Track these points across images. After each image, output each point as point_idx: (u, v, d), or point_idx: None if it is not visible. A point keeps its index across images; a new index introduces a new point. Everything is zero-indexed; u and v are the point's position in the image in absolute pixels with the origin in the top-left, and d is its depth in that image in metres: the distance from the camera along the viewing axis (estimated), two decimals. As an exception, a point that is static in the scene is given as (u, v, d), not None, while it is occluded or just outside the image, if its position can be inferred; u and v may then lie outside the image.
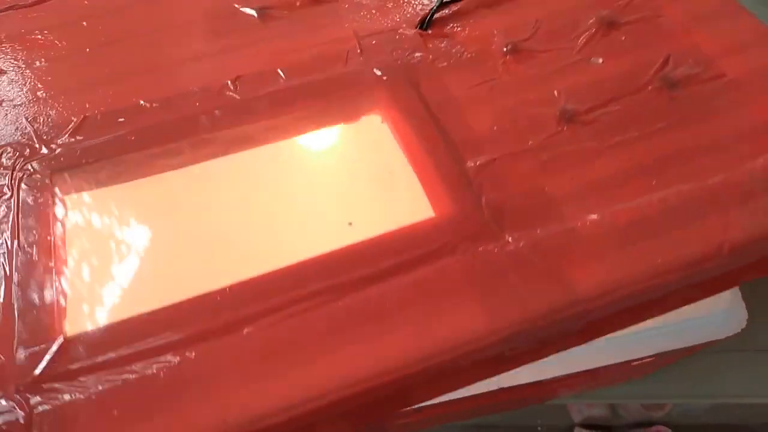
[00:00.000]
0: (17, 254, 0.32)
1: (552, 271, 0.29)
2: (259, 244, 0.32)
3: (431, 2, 0.42)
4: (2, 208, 0.33)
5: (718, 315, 0.39)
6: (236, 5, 0.43)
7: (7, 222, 0.33)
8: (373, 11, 0.43)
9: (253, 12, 0.43)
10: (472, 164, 0.33)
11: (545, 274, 0.29)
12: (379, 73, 0.38)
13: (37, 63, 0.41)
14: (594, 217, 0.31)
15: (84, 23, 0.44)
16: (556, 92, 0.36)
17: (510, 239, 0.30)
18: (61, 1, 0.45)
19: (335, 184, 0.34)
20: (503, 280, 0.29)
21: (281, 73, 0.39)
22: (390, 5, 0.43)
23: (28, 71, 0.41)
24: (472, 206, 0.32)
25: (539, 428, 0.54)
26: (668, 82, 0.36)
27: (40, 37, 0.43)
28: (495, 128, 0.35)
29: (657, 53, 0.37)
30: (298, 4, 0.43)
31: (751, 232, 0.30)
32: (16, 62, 0.42)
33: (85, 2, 0.45)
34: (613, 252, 0.30)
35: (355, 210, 0.32)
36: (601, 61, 0.38)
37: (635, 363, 0.40)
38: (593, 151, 0.33)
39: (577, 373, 0.39)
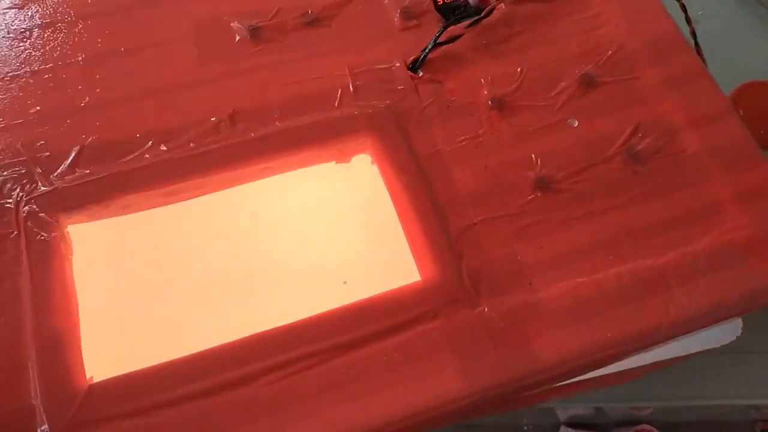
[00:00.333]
0: (32, 298, 0.34)
1: (520, 339, 0.34)
2: (257, 301, 0.35)
3: (422, 33, 0.43)
4: (11, 251, 0.35)
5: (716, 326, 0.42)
6: (226, 18, 0.43)
7: (19, 265, 0.35)
8: (366, 38, 0.43)
9: (245, 31, 0.43)
10: (456, 227, 0.37)
11: (514, 342, 0.34)
12: (370, 119, 0.40)
13: (23, 77, 0.41)
14: (558, 288, 0.36)
15: (74, 28, 0.43)
16: (533, 156, 0.39)
17: (485, 308, 0.35)
18: (45, 4, 0.44)
19: (331, 240, 0.37)
20: (478, 346, 0.34)
21: (276, 110, 0.40)
22: (381, 31, 0.44)
23: (13, 85, 0.40)
24: (454, 272, 0.36)
25: (525, 428, 0.59)
26: (633, 155, 0.40)
27: (26, 44, 0.42)
28: (478, 189, 0.38)
29: (628, 119, 0.41)
30: (290, 26, 0.43)
31: (688, 313, 0.35)
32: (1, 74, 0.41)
33: (69, 9, 0.43)
34: (573, 324, 0.35)
35: (350, 269, 0.36)
36: (576, 124, 0.41)
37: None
38: (562, 222, 0.37)
39: (569, 383, 0.44)
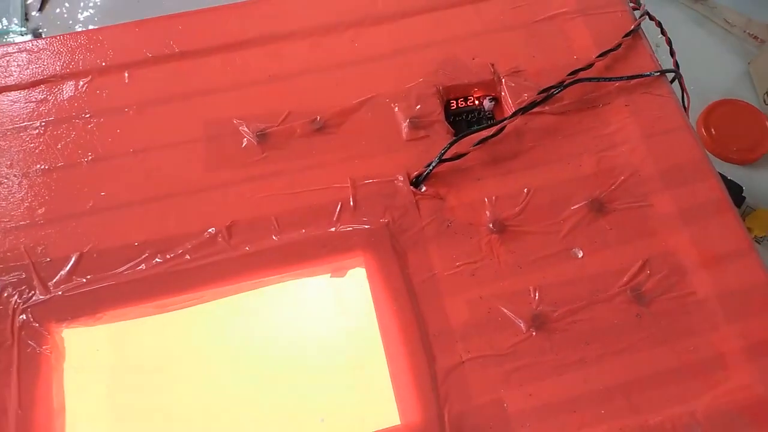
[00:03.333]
0: (17, 415, 0.35)
1: (497, 497, 0.33)
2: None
3: (429, 145, 0.42)
4: (3, 362, 0.36)
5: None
6: (236, 122, 0.43)
7: (9, 376, 0.36)
8: (371, 148, 0.43)
9: (252, 136, 0.43)
10: (443, 365, 0.36)
11: (490, 500, 0.33)
12: (367, 238, 0.39)
13: (35, 175, 0.42)
14: (543, 443, 0.34)
15: (87, 125, 0.43)
16: (531, 288, 0.38)
17: (464, 461, 0.34)
18: (54, 90, 0.45)
19: (314, 369, 0.37)
20: (452, 501, 0.33)
21: (274, 222, 0.40)
22: (388, 141, 0.43)
23: (24, 183, 0.42)
24: (435, 418, 0.35)
25: None
26: (638, 295, 0.38)
27: (35, 134, 0.43)
28: (470, 322, 0.37)
29: (636, 253, 0.39)
30: (298, 132, 0.43)
31: (678, 483, 0.33)
32: (12, 168, 0.42)
33: (84, 104, 0.44)
34: (553, 484, 0.33)
35: (330, 404, 0.35)
36: (581, 254, 0.39)
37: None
38: (554, 367, 0.36)
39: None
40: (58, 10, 0.94)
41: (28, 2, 0.94)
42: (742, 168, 0.75)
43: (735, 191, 0.71)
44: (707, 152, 0.43)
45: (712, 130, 0.74)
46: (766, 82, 0.77)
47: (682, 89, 0.46)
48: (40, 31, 0.92)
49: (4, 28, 0.91)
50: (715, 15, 0.84)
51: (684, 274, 0.38)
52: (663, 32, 0.48)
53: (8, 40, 0.90)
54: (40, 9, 0.92)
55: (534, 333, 0.37)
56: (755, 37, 0.82)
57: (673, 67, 0.46)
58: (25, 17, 0.92)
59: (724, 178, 0.72)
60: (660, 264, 0.39)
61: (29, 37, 0.91)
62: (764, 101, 0.78)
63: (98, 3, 0.94)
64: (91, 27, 0.92)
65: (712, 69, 0.80)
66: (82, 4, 0.94)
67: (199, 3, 0.49)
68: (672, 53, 0.48)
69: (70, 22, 0.93)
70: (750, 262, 0.39)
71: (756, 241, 0.71)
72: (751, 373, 0.36)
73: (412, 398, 0.35)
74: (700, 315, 0.37)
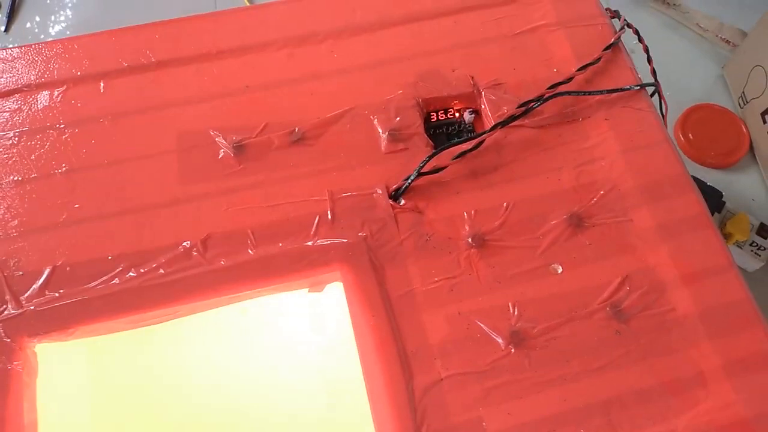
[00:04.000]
0: (-17, 435, 0.34)
1: None
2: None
3: (408, 158, 0.42)
4: (-31, 379, 0.35)
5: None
6: (212, 133, 0.43)
7: (-26, 395, 0.35)
8: (350, 160, 0.42)
9: (229, 148, 0.42)
10: (421, 383, 0.35)
11: None
12: (344, 252, 0.39)
13: (8, 186, 0.41)
14: (521, 462, 0.34)
15: (61, 136, 0.43)
16: (511, 304, 0.38)
17: (441, 481, 0.33)
18: (29, 99, 0.44)
19: (289, 389, 0.36)
20: None
21: (251, 235, 0.40)
22: (366, 154, 0.43)
23: (-2, 195, 0.41)
24: (412, 437, 0.34)
25: None
26: (617, 311, 0.37)
27: (8, 144, 0.42)
28: (449, 338, 0.37)
29: (615, 269, 0.39)
30: (276, 143, 0.43)
31: (656, 503, 0.33)
32: (-15, 179, 0.41)
33: (59, 114, 0.43)
34: (530, 505, 0.33)
35: (306, 422, 0.35)
36: (560, 270, 0.39)
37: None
38: (533, 385, 0.36)
39: None
40: (28, 25, 0.92)
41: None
42: (720, 172, 0.75)
43: (715, 197, 0.72)
44: (686, 158, 0.43)
45: (690, 135, 0.75)
46: (741, 85, 0.77)
47: (660, 98, 0.46)
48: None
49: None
50: (687, 20, 0.84)
51: (663, 290, 0.38)
52: (641, 40, 0.48)
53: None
54: (6, 29, 0.89)
55: (513, 350, 0.37)
56: (728, 42, 0.83)
57: (652, 80, 0.46)
58: None
59: (703, 183, 0.72)
60: (639, 280, 0.38)
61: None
62: (739, 105, 0.78)
63: (69, 16, 0.93)
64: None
65: (686, 74, 0.81)
66: (53, 17, 0.93)
67: (168, 16, 0.48)
68: (649, 61, 0.48)
69: (42, 36, 0.91)
70: (730, 278, 0.38)
71: (737, 246, 0.71)
72: (732, 392, 0.35)
73: (390, 416, 0.35)
74: (680, 332, 0.37)
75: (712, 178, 0.73)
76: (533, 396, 0.35)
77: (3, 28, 0.89)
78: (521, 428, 0.35)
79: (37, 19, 0.93)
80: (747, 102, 0.76)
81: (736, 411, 0.35)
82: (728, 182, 0.73)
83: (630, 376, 0.36)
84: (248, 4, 0.91)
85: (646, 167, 0.42)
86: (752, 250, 0.71)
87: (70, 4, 0.94)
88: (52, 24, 0.93)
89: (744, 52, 0.78)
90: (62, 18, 0.93)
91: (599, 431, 0.35)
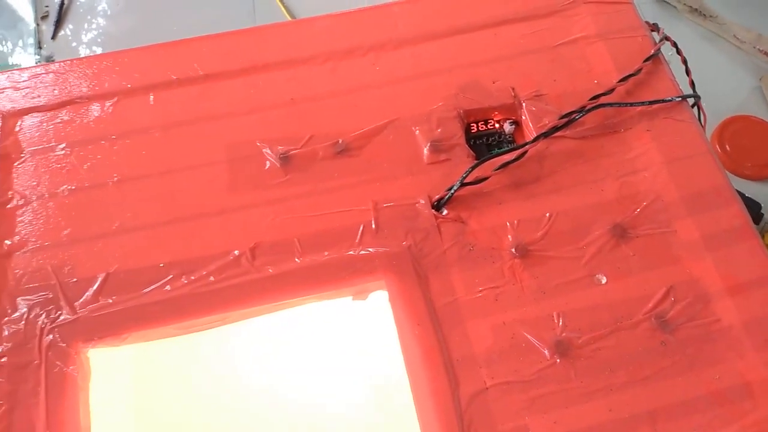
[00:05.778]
0: (43, 436, 0.35)
1: None
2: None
3: (451, 168, 0.43)
4: (31, 381, 0.36)
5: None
6: (259, 144, 0.44)
7: (36, 396, 0.36)
8: (393, 171, 0.43)
9: (275, 159, 0.43)
10: (467, 391, 0.36)
11: None
12: (389, 261, 0.40)
13: (61, 195, 0.42)
14: (568, 471, 0.34)
15: (113, 146, 0.44)
16: (555, 315, 0.38)
17: (488, 488, 0.34)
18: (81, 111, 0.45)
19: (336, 397, 0.37)
20: None
21: (297, 244, 0.40)
22: (409, 164, 0.43)
23: (51, 203, 0.42)
24: (459, 444, 0.34)
25: None
26: (662, 322, 0.37)
27: (61, 155, 0.44)
28: (494, 348, 0.37)
29: (660, 280, 0.39)
30: (320, 154, 0.43)
31: None
32: (38, 188, 0.43)
33: (109, 126, 0.45)
34: None
35: (352, 429, 0.35)
36: (604, 281, 0.39)
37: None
38: (579, 395, 0.36)
39: None
40: (62, 33, 0.95)
41: (41, 29, 0.95)
42: (757, 184, 0.75)
43: (753, 208, 0.71)
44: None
45: (727, 146, 0.75)
46: (778, 97, 0.77)
47: (699, 110, 0.46)
48: (53, 59, 0.93)
49: (15, 58, 0.91)
50: (724, 32, 0.84)
51: (708, 301, 0.38)
52: (679, 52, 0.48)
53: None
54: (53, 36, 0.93)
55: (558, 360, 0.37)
56: (766, 53, 0.82)
57: (693, 92, 0.46)
58: (39, 45, 0.93)
59: (741, 195, 0.72)
60: (684, 291, 0.39)
61: (44, 65, 0.91)
62: (776, 116, 0.78)
63: (102, 24, 0.95)
64: (97, 51, 0.93)
65: (723, 86, 0.80)
66: (85, 26, 0.95)
67: (206, 30, 0.49)
68: (688, 72, 0.48)
69: (74, 44, 0.94)
70: (775, 289, 0.38)
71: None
72: (778, 403, 0.35)
73: (436, 424, 0.35)
74: (725, 343, 0.37)
75: (749, 189, 0.73)
76: (579, 406, 0.36)
77: (51, 36, 0.93)
78: (567, 437, 0.35)
79: (71, 26, 0.95)
80: (783, 113, 0.76)
81: (784, 424, 0.35)
82: (766, 194, 0.73)
83: (675, 386, 0.36)
84: (289, 18, 0.93)
85: (688, 178, 0.42)
86: (789, 262, 0.71)
87: (102, 14, 0.97)
88: (85, 32, 0.95)
89: (781, 63, 0.78)
90: (94, 26, 0.96)
91: (646, 442, 0.35)
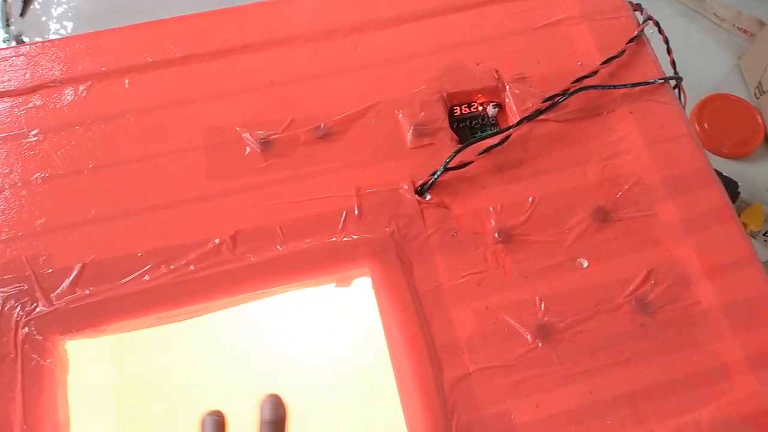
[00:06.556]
0: (22, 428, 0.35)
1: None
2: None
3: (434, 153, 0.42)
4: (7, 374, 0.36)
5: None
6: (238, 129, 0.43)
7: (13, 390, 0.35)
8: (376, 155, 0.42)
9: (255, 144, 0.42)
10: (450, 376, 0.36)
11: None
12: (372, 247, 0.39)
13: (34, 183, 0.41)
14: (550, 454, 0.34)
15: (87, 132, 0.43)
16: (537, 299, 0.38)
17: (472, 472, 0.34)
18: (53, 96, 0.44)
19: (318, 382, 0.37)
20: None
21: (279, 231, 0.40)
22: (392, 149, 0.43)
23: (24, 192, 0.41)
24: (443, 429, 0.35)
25: None
26: (643, 305, 0.38)
27: (34, 141, 0.43)
28: (477, 333, 0.37)
29: (640, 263, 0.39)
30: (302, 139, 0.43)
31: (683, 493, 0.34)
32: (11, 176, 0.41)
33: (85, 111, 0.43)
34: (560, 496, 0.34)
35: (335, 416, 0.35)
36: (586, 264, 0.39)
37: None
38: (560, 378, 0.36)
39: None
40: (33, 11, 0.91)
41: (9, 3, 0.91)
42: (735, 162, 0.75)
43: (731, 187, 0.72)
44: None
45: (705, 125, 0.75)
46: (758, 76, 0.77)
47: (680, 91, 0.46)
48: (23, 37, 0.89)
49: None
50: (704, 9, 0.84)
51: (688, 283, 0.39)
52: (661, 32, 0.48)
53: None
54: (22, 14, 0.90)
55: (540, 344, 0.37)
56: (745, 31, 0.82)
57: (674, 72, 0.46)
58: (6, 23, 0.90)
59: (719, 174, 0.72)
60: (664, 273, 0.39)
61: (12, 43, 0.88)
62: (755, 95, 0.78)
63: (75, 5, 0.92)
64: (70, 31, 0.90)
65: (702, 64, 0.80)
66: (59, 9, 0.92)
67: (182, 8, 0.47)
68: (669, 52, 0.48)
69: (49, 24, 0.91)
70: (753, 272, 0.39)
71: (751, 236, 0.71)
72: (755, 383, 0.36)
73: (420, 409, 0.35)
74: (705, 325, 0.38)
75: (727, 168, 0.73)
76: (560, 389, 0.36)
77: (20, 12, 0.89)
78: (549, 420, 0.35)
79: (40, 1, 0.92)
80: (763, 92, 0.76)
81: (760, 402, 0.36)
82: (743, 172, 0.73)
83: (655, 368, 0.37)
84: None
85: (670, 161, 0.42)
86: (765, 240, 0.72)
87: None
88: (55, 7, 0.91)
89: (761, 42, 0.77)
90: (64, 1, 0.92)
91: (625, 423, 0.35)
